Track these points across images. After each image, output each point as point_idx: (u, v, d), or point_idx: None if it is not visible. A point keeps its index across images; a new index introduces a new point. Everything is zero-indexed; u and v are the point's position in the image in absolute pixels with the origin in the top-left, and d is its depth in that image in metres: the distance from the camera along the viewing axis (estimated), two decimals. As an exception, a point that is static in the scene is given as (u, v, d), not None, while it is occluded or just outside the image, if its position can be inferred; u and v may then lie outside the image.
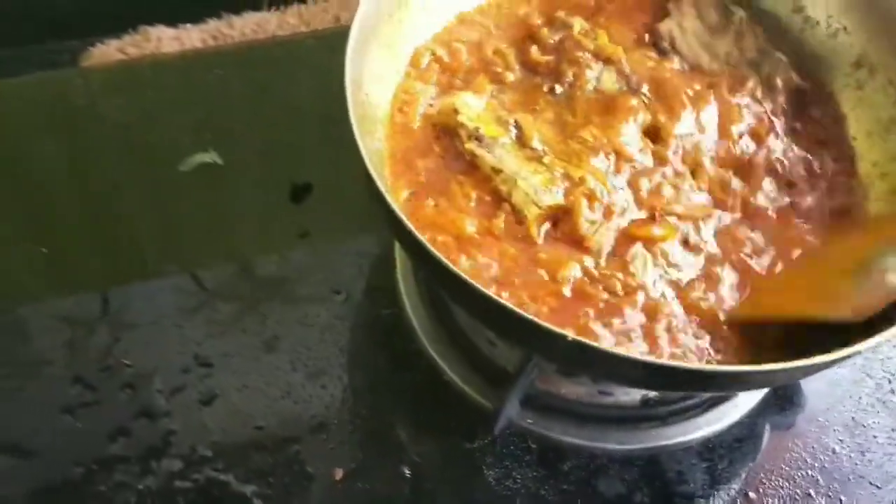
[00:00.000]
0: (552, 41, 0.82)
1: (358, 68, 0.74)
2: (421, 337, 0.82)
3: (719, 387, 0.71)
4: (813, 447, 0.81)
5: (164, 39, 1.03)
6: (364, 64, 0.75)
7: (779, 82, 0.83)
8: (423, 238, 0.62)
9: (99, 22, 1.06)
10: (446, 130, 0.76)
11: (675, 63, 0.84)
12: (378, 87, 0.78)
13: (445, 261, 0.61)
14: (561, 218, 0.72)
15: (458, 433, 0.79)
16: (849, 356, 0.61)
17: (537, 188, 0.72)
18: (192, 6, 1.07)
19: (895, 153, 0.79)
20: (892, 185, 0.78)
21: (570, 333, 0.59)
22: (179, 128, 0.94)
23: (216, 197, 0.90)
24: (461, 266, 0.69)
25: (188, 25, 1.05)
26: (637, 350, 0.68)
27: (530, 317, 0.59)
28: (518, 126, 0.75)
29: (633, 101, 0.78)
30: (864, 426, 0.83)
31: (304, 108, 0.95)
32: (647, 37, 0.86)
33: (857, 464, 0.80)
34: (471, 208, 0.73)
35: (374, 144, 0.75)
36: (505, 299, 0.67)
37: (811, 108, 0.83)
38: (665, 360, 0.65)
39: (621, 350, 0.65)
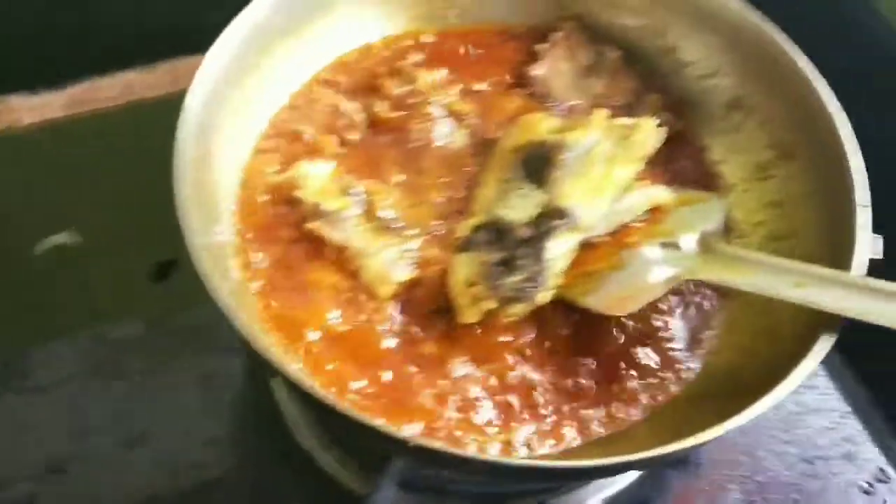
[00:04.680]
0: (399, 94, 0.78)
1: (204, 145, 0.70)
2: (290, 423, 0.78)
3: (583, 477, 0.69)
4: (708, 507, 0.79)
5: (24, 110, 0.97)
6: (212, 139, 0.71)
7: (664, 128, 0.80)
8: (253, 337, 0.58)
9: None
10: (291, 206, 0.71)
11: (548, 106, 0.81)
12: (230, 160, 0.73)
13: (277, 362, 0.57)
14: (414, 292, 0.69)
15: (336, 524, 0.75)
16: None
17: (387, 264, 0.68)
18: (56, 70, 1.02)
19: (770, 199, 0.76)
20: (770, 232, 0.75)
21: (412, 439, 0.56)
22: (36, 206, 0.89)
23: (73, 280, 0.85)
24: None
25: (51, 92, 1.00)
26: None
27: (362, 418, 0.56)
28: (365, 194, 0.72)
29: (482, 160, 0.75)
30: (757, 482, 0.80)
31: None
32: (517, 80, 0.83)
33: (752, 522, 0.78)
34: (331, 297, 0.68)
35: (224, 227, 0.70)
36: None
37: (683, 156, 0.80)
38: (509, 459, 0.62)
39: (459, 450, 0.61)
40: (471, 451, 0.62)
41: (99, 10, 1.03)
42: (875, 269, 0.66)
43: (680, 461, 0.79)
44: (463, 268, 0.66)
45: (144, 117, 0.99)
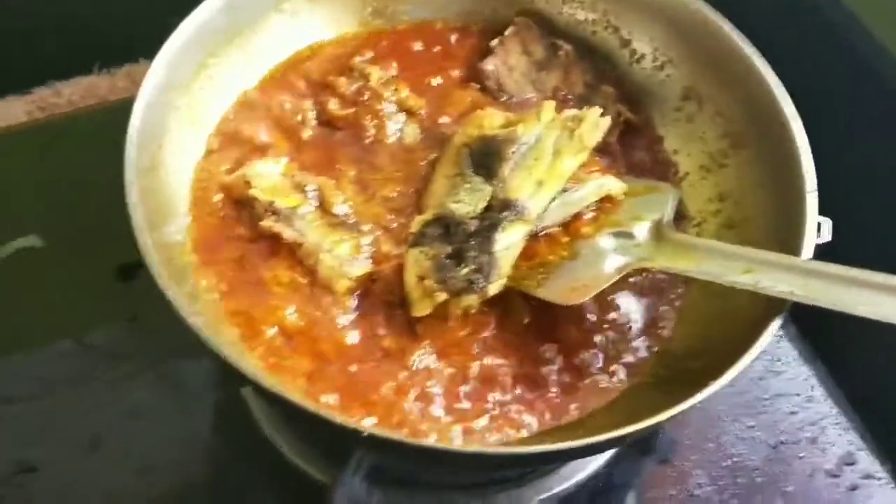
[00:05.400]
0: (350, 92, 0.78)
1: (154, 148, 0.70)
2: (257, 418, 0.78)
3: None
4: (671, 493, 0.79)
5: (-13, 115, 0.98)
6: (164, 141, 0.72)
7: (608, 117, 0.81)
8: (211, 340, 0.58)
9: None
10: (245, 204, 0.71)
11: (502, 101, 0.81)
12: (183, 162, 0.73)
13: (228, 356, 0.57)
14: (371, 286, 0.69)
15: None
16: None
17: (343, 259, 0.68)
18: (16, 74, 1.01)
19: (726, 188, 0.77)
20: (725, 220, 0.76)
21: (368, 428, 0.56)
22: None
23: (37, 283, 0.85)
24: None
25: (12, 97, 1.00)
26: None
27: (316, 410, 0.57)
28: (318, 191, 0.72)
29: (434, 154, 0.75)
30: (723, 466, 0.81)
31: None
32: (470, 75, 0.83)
33: (716, 508, 0.79)
34: (288, 294, 0.68)
35: (178, 227, 0.70)
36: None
37: (639, 147, 0.80)
38: (461, 447, 0.62)
39: (413, 440, 0.61)
40: (426, 441, 0.62)
41: (59, 15, 1.03)
42: (827, 252, 0.67)
43: (645, 447, 0.81)
44: (414, 262, 0.66)
45: (103, 120, 0.99)
